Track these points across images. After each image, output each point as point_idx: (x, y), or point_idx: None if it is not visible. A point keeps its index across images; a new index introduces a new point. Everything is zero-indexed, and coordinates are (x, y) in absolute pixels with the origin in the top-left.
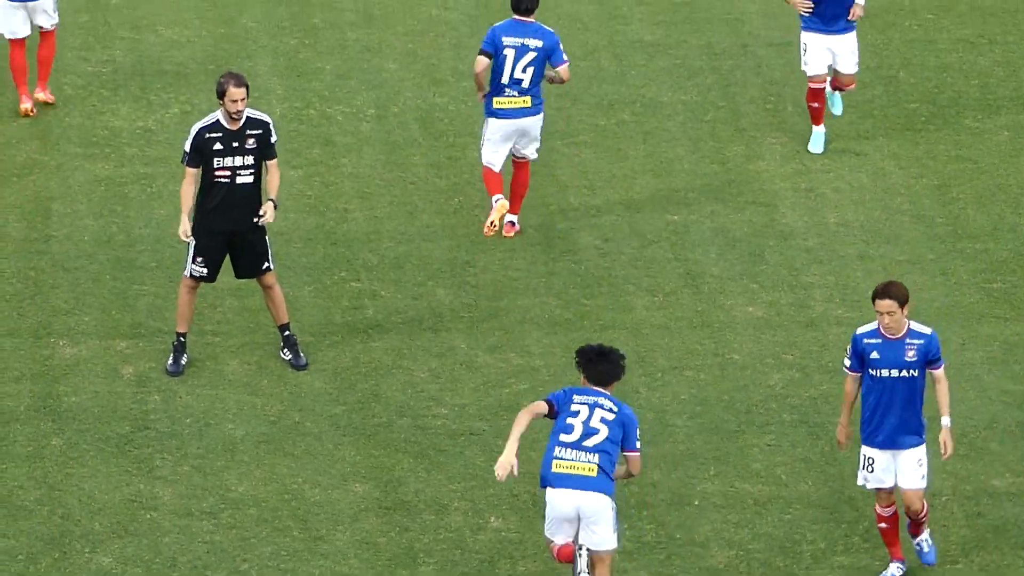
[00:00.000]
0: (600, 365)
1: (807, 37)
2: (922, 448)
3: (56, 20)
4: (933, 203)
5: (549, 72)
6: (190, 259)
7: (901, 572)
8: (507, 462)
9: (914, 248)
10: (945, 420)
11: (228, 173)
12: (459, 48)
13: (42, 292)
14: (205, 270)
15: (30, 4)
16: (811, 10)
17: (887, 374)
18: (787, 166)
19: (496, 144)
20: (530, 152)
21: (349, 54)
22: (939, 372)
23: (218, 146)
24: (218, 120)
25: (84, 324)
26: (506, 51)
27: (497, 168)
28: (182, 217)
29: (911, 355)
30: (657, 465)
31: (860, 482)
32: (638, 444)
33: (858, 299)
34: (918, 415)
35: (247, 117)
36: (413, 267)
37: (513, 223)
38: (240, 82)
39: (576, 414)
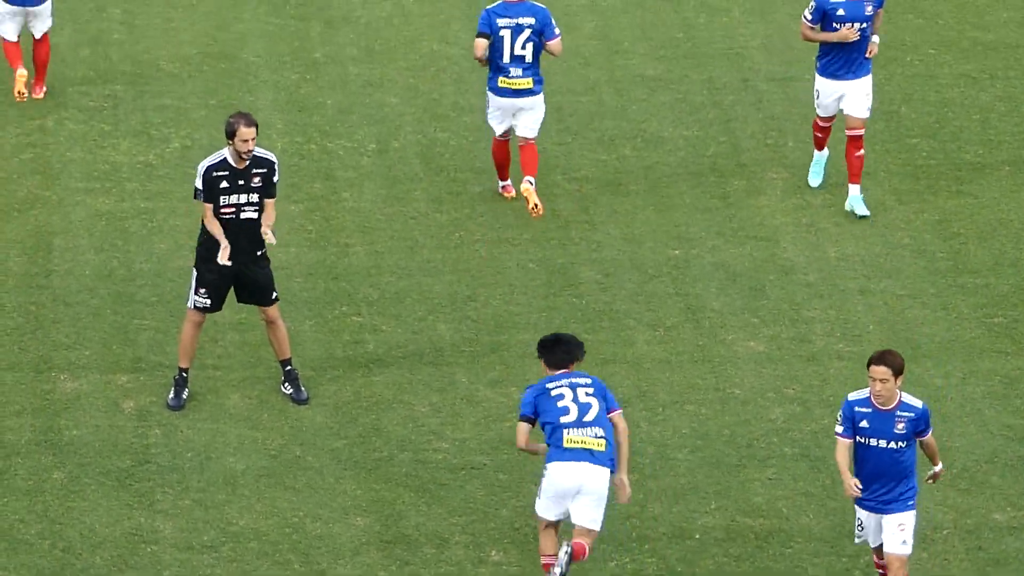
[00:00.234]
0: (558, 348)
1: (821, 83)
2: (907, 514)
3: (50, 24)
4: (934, 238)
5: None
6: (193, 291)
7: None
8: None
9: (915, 283)
10: (937, 468)
11: (233, 210)
12: (460, 83)
13: (43, 327)
14: (209, 300)
15: (30, 10)
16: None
17: (875, 443)
18: (788, 201)
19: (498, 118)
20: (530, 132)
21: (350, 89)
22: (927, 439)
23: (224, 184)
24: (225, 158)
25: (85, 358)
26: (502, 32)
27: (499, 133)
28: (222, 243)
29: (900, 427)
30: (658, 499)
31: (855, 539)
32: (616, 403)
33: (859, 333)
34: (907, 482)
35: (253, 156)
36: (414, 301)
37: (531, 182)
38: (250, 122)
39: (561, 397)
